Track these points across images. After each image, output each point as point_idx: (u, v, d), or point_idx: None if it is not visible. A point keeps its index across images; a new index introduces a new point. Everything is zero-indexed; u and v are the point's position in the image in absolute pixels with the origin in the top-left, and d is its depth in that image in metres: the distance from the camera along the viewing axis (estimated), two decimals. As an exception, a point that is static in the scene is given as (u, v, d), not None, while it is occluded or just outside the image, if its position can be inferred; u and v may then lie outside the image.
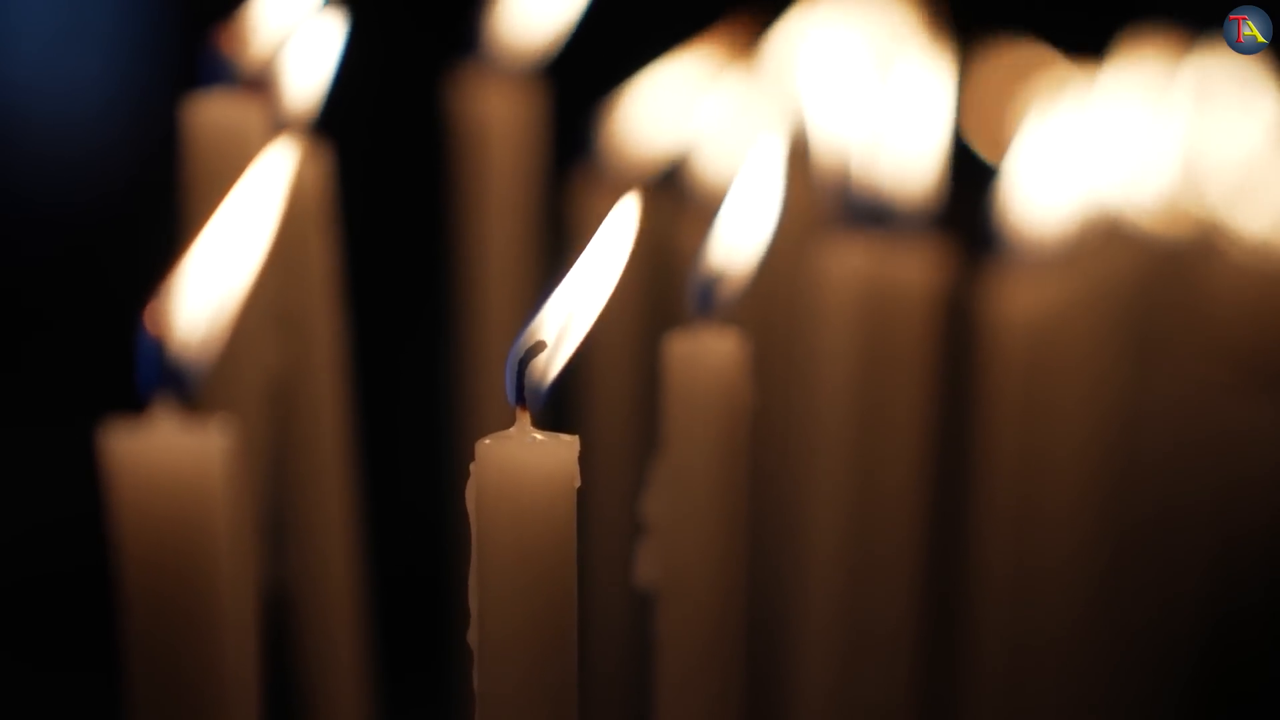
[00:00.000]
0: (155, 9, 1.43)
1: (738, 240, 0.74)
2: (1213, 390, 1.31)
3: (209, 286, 0.57)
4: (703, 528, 0.72)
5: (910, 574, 0.97)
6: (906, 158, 1.00)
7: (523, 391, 0.62)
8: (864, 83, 1.05)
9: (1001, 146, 1.14)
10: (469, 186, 1.05)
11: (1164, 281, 1.26)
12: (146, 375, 0.53)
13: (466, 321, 1.05)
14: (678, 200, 1.15)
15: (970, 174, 1.07)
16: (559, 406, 1.08)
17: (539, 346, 0.62)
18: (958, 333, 1.05)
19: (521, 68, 1.07)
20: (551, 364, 0.62)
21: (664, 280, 1.12)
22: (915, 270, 0.96)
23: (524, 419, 0.62)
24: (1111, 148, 1.23)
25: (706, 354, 0.71)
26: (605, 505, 1.09)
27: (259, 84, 0.79)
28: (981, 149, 1.23)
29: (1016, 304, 1.06)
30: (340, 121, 0.87)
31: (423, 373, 1.21)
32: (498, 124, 1.05)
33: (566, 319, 0.63)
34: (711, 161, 1.15)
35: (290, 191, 0.83)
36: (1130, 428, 1.19)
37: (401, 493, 0.92)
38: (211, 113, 0.78)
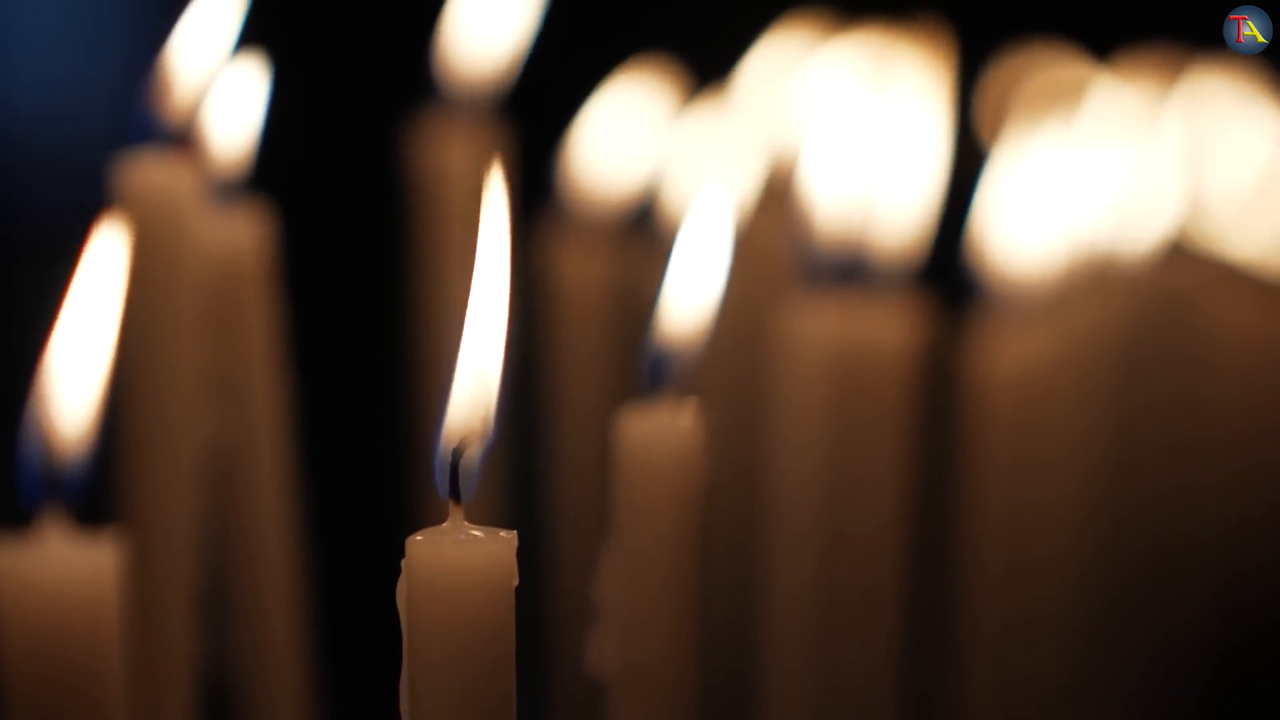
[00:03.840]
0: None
1: (689, 302, 0.73)
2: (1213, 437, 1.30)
3: (79, 379, 0.55)
4: (656, 614, 0.71)
5: (890, 647, 0.96)
6: (893, 206, 0.98)
7: (455, 483, 0.60)
8: (849, 122, 1.04)
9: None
10: (427, 239, 1.03)
11: (1163, 326, 1.24)
12: (30, 485, 0.52)
13: (427, 385, 1.03)
14: (649, 245, 1.13)
15: (952, 220, 1.05)
16: (523, 487, 1.07)
17: (471, 436, 0.60)
18: (938, 393, 1.04)
19: (478, 108, 1.05)
20: (482, 445, 0.61)
21: (636, 333, 1.11)
22: (891, 328, 0.94)
23: (457, 513, 0.60)
24: (1099, 181, 1.22)
25: (659, 432, 0.70)
26: (576, 586, 1.07)
27: (187, 141, 0.78)
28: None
29: (1000, 360, 1.04)
30: (286, 176, 0.85)
31: (379, 440, 1.19)
32: (457, 171, 1.03)
33: (483, 389, 0.61)
34: (683, 203, 1.14)
35: (225, 255, 0.82)
36: (1125, 484, 1.18)
37: (350, 567, 0.91)
38: (140, 175, 0.77)
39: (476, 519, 0.99)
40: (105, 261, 0.59)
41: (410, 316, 1.03)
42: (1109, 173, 1.22)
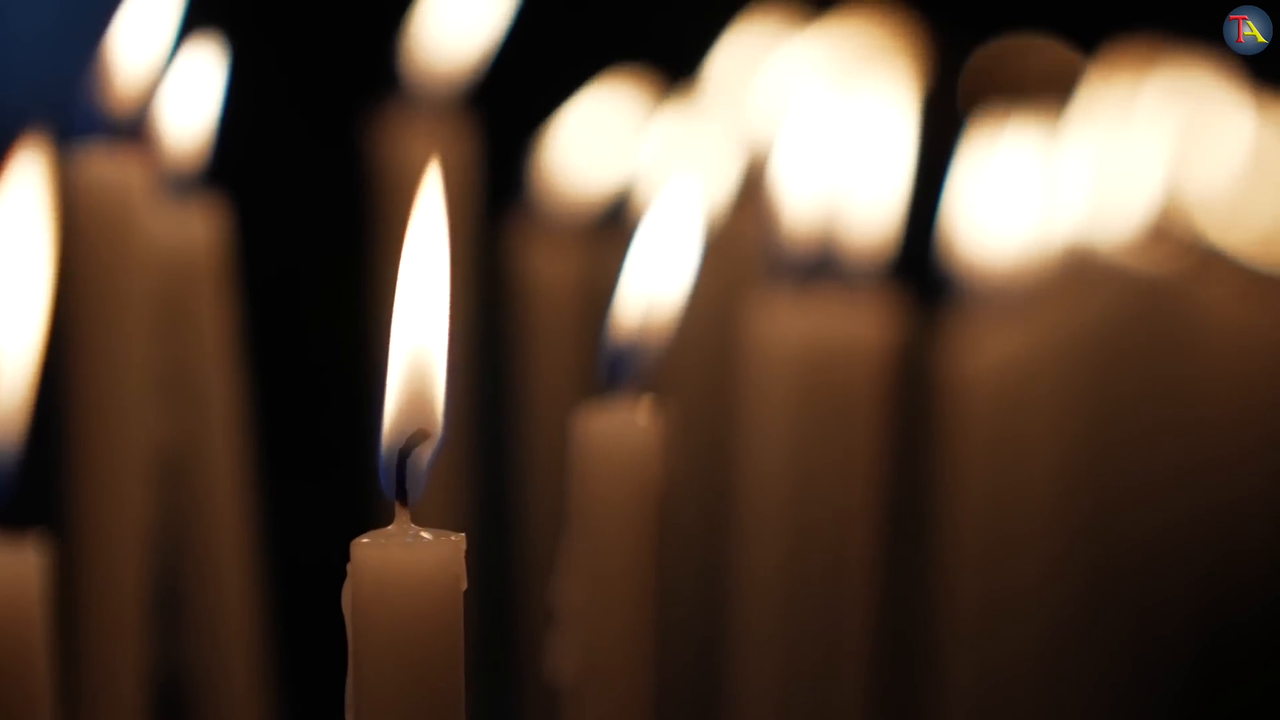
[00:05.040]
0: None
1: (650, 297, 0.72)
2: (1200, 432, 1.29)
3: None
4: (613, 617, 0.70)
5: (860, 646, 0.95)
6: (863, 202, 0.97)
7: (403, 484, 0.59)
8: (817, 117, 1.02)
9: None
10: (390, 236, 1.02)
11: (1142, 317, 1.23)
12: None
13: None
14: (621, 244, 1.12)
15: (923, 215, 1.04)
16: (493, 487, 1.06)
17: (419, 435, 0.59)
18: (912, 392, 1.02)
19: (446, 102, 1.04)
20: (431, 445, 0.60)
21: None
22: (862, 326, 0.93)
23: (403, 515, 0.59)
24: (1076, 171, 1.21)
25: (616, 431, 0.69)
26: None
27: (137, 134, 0.76)
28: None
29: (976, 357, 1.03)
30: (244, 171, 0.84)
31: (337, 440, 1.18)
32: (421, 167, 1.02)
33: (427, 388, 0.60)
34: (654, 200, 1.12)
35: (178, 251, 0.81)
36: (1103, 478, 1.17)
37: (307, 569, 0.89)
38: (89, 170, 0.76)
39: (440, 520, 0.98)
40: (24, 249, 0.57)
41: (371, 314, 1.02)
42: (1086, 162, 1.22)
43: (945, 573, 1.05)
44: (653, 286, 0.72)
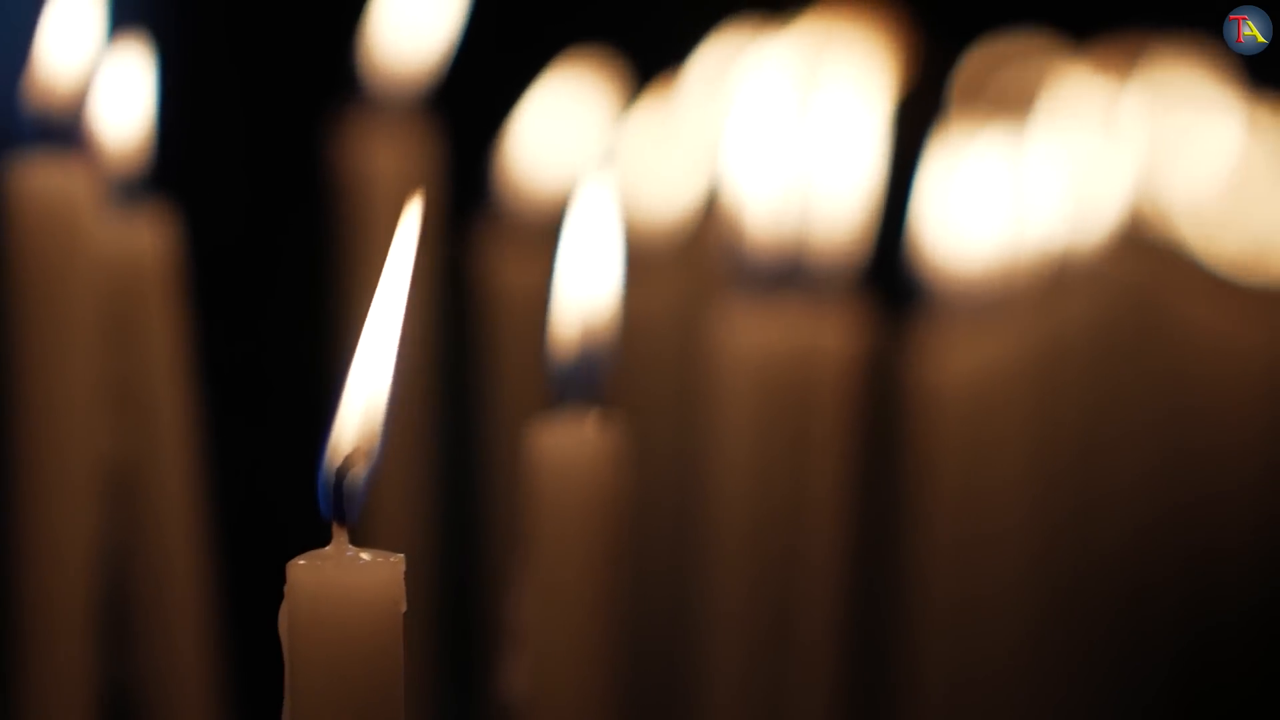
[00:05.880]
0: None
1: (586, 306, 0.71)
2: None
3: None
4: (567, 637, 0.69)
5: (830, 658, 0.94)
6: (830, 207, 0.95)
7: (340, 504, 0.58)
8: (783, 121, 1.01)
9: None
10: (351, 243, 1.00)
11: (1117, 327, 1.22)
12: None
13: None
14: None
15: (894, 221, 1.03)
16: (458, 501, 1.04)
17: (356, 454, 0.58)
18: (883, 402, 1.01)
19: (407, 105, 1.02)
20: (367, 466, 0.58)
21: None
22: (830, 335, 0.91)
23: (341, 536, 0.58)
24: (1052, 174, 1.19)
25: (569, 445, 0.68)
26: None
27: (76, 140, 0.75)
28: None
29: (948, 365, 1.02)
30: (198, 178, 0.83)
31: (292, 455, 1.16)
32: (382, 172, 1.01)
33: (368, 404, 0.59)
34: (626, 204, 1.11)
35: (124, 260, 0.80)
36: (1077, 487, 1.16)
37: (259, 587, 0.88)
38: (29, 178, 0.74)
39: (401, 534, 0.97)
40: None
41: (331, 324, 1.01)
42: (1060, 165, 1.20)
43: (917, 584, 1.04)
44: (584, 294, 0.71)
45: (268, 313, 1.28)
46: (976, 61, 1.36)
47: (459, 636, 1.03)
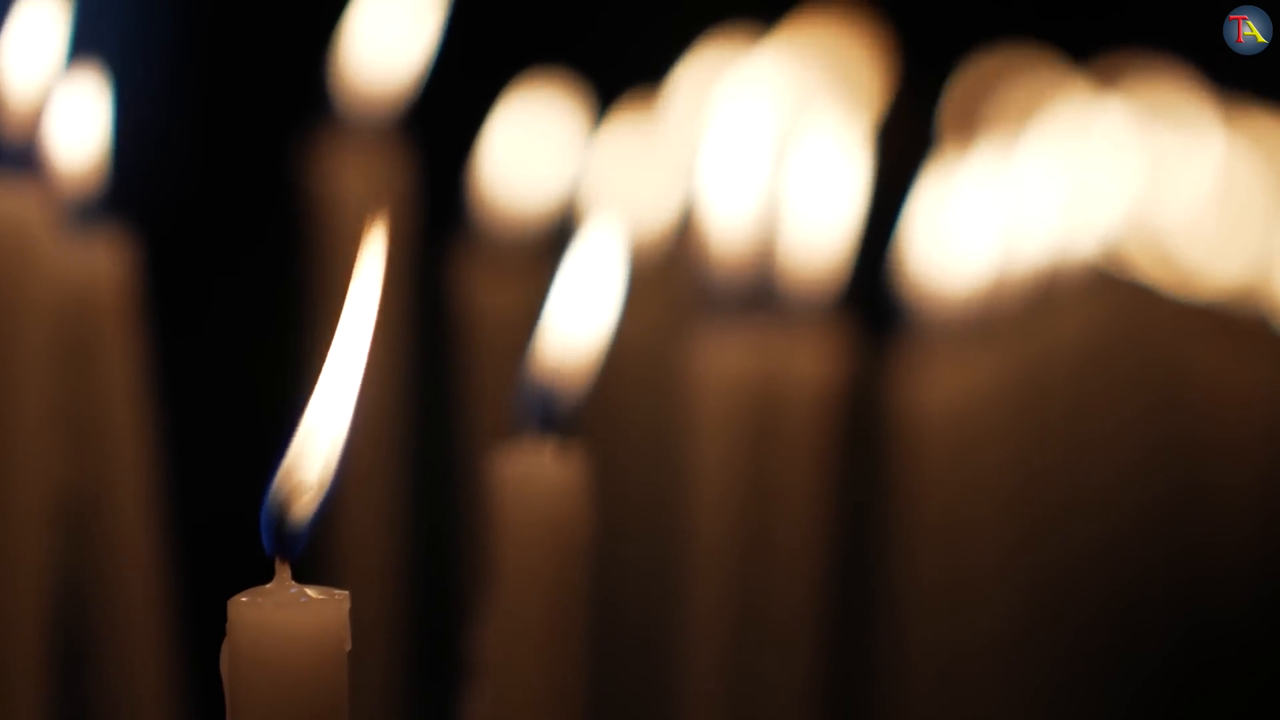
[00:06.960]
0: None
1: (576, 334, 0.69)
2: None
3: None
4: (529, 669, 0.68)
5: (810, 684, 0.93)
6: (808, 229, 0.94)
7: (283, 540, 0.56)
8: (759, 142, 1.00)
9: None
10: (321, 268, 0.99)
11: (1103, 351, 1.22)
12: None
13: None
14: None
15: (874, 244, 1.02)
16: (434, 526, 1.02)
17: (302, 489, 0.57)
18: (863, 427, 1.00)
19: (378, 125, 1.01)
20: (315, 501, 0.57)
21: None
22: (808, 359, 0.90)
23: (284, 572, 0.56)
24: (1043, 195, 1.18)
25: (534, 475, 0.67)
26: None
27: (31, 163, 0.73)
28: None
29: (929, 390, 1.01)
30: (160, 199, 0.82)
31: (254, 484, 1.15)
32: (353, 194, 0.99)
33: (322, 436, 0.57)
34: (606, 225, 1.09)
35: (80, 284, 0.78)
36: (1059, 519, 1.15)
37: (218, 619, 0.87)
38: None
39: (371, 561, 0.95)
40: None
41: (298, 350, 0.99)
42: (1051, 185, 1.20)
43: (898, 617, 1.03)
44: (576, 326, 0.70)
45: (229, 338, 1.27)
46: (966, 80, 1.35)
47: (424, 667, 1.02)
